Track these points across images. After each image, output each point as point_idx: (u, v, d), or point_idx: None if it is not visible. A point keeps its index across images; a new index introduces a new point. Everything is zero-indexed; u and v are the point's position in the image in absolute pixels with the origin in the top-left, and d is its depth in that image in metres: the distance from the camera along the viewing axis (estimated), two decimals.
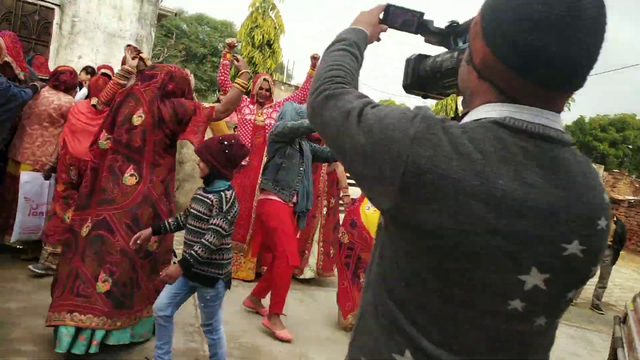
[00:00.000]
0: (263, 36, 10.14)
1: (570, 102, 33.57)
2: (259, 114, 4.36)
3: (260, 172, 3.92)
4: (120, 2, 6.13)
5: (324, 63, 0.97)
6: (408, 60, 1.10)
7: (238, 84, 2.86)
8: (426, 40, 1.13)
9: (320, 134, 0.92)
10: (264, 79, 4.42)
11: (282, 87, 8.88)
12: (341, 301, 3.67)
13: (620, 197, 15.17)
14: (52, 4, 5.85)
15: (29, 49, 5.73)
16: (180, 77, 2.77)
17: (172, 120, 2.66)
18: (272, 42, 10.27)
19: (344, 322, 3.64)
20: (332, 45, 1.02)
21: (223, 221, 2.25)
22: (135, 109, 2.63)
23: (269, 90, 4.40)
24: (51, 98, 3.71)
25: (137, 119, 2.61)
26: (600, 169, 23.75)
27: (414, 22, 1.09)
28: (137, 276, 2.59)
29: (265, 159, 3.90)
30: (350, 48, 1.00)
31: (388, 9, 1.09)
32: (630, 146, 33.68)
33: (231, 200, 2.31)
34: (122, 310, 2.53)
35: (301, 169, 3.41)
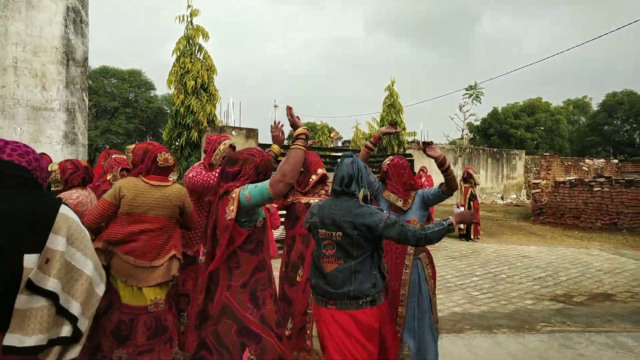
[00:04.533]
0: (196, 81, 9.33)
1: (480, 96, 35.47)
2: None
3: None
4: (42, 69, 5.09)
5: None
6: None
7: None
8: None
9: None
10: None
11: (234, 132, 8.09)
12: None
13: (562, 179, 15.73)
14: None
15: None
16: (267, 167, 2.43)
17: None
18: (206, 85, 9.48)
19: None
20: None
21: None
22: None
23: None
24: None
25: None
26: (522, 154, 24.98)
27: None
28: None
29: None
30: None
31: None
32: (543, 127, 35.91)
33: None
34: None
35: None
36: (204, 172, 3.42)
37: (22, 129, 5.06)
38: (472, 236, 11.12)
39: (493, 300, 6.25)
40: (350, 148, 16.91)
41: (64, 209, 1.85)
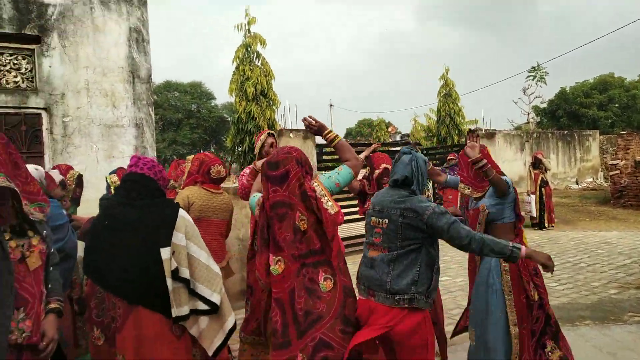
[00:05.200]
0: (255, 87, 9.57)
1: (544, 77, 33.71)
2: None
3: None
4: (111, 88, 5.45)
5: None
6: None
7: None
8: None
9: None
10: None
11: (292, 135, 8.22)
12: None
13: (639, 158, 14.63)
14: (38, 108, 5.15)
15: None
16: (305, 158, 2.49)
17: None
18: (265, 90, 9.70)
19: None
20: None
21: None
22: (293, 215, 2.31)
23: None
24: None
25: (303, 223, 2.30)
26: (596, 134, 23.40)
27: None
28: None
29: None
30: None
31: None
32: (617, 104, 33.54)
33: None
34: None
35: None
36: (244, 177, 3.47)
37: (97, 147, 5.41)
38: (546, 224, 10.60)
39: (573, 290, 5.93)
40: (411, 141, 16.66)
41: (182, 212, 2.45)
